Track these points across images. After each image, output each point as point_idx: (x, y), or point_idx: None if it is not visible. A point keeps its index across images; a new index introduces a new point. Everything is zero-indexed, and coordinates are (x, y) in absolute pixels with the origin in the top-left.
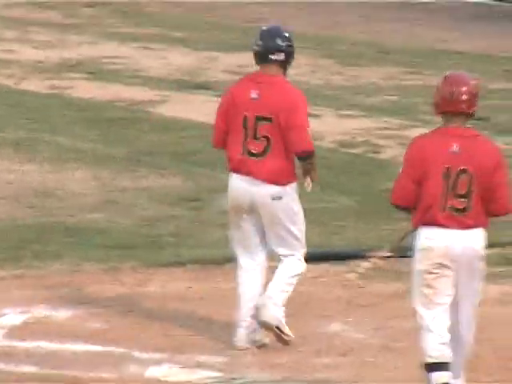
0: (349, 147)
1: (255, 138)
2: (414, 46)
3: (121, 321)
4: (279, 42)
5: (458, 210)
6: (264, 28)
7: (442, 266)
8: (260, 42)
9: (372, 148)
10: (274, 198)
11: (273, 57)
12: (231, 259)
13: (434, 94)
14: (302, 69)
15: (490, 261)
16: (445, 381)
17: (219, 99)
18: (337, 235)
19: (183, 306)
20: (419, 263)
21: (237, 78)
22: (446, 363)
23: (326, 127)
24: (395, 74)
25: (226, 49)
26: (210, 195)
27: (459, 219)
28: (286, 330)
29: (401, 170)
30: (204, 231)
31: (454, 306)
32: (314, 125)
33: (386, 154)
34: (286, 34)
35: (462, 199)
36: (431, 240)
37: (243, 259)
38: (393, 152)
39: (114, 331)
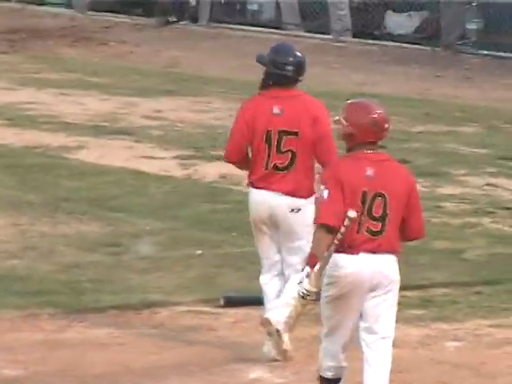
0: None
1: (280, 152)
2: (332, 89)
3: (39, 368)
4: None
5: (373, 232)
6: (288, 50)
7: (351, 291)
8: (291, 68)
9: None
10: (292, 210)
11: (300, 78)
12: (150, 305)
13: (347, 124)
14: (219, 112)
15: (410, 304)
16: None
17: (137, 145)
18: (256, 280)
19: (103, 352)
20: (329, 289)
21: (155, 123)
22: (340, 378)
23: (245, 171)
24: None
25: (144, 94)
26: (129, 240)
27: (374, 242)
28: (286, 339)
29: (326, 194)
30: (123, 277)
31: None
32: (231, 169)
33: None
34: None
35: (377, 222)
36: (340, 268)
37: (264, 273)
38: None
39: (33, 379)
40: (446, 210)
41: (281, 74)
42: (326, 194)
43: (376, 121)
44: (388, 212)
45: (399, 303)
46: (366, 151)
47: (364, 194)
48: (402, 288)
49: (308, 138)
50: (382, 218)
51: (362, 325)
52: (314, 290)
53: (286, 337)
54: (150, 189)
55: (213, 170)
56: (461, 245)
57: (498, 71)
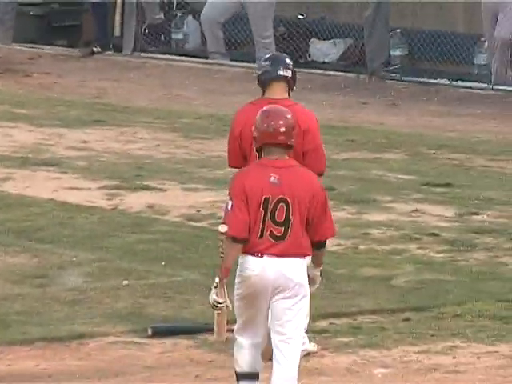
0: (194, 221)
1: None
2: None
3: None
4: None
5: (276, 237)
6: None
7: (257, 290)
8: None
9: (218, 221)
10: None
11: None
12: (78, 336)
13: (253, 128)
14: (146, 143)
15: (339, 331)
16: None
17: (63, 176)
18: (184, 309)
19: None
20: (238, 288)
21: (81, 154)
22: (253, 374)
23: (172, 201)
24: None
25: (70, 125)
26: (56, 272)
27: (276, 246)
28: None
29: (230, 205)
30: (51, 308)
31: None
32: (159, 199)
33: None
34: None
35: (280, 227)
36: (248, 269)
37: None
38: None
39: None
40: (373, 237)
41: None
42: (230, 204)
43: (271, 125)
44: (291, 217)
45: (327, 331)
46: (271, 157)
47: (266, 200)
48: (331, 315)
49: (298, 152)
50: (285, 223)
51: (271, 325)
52: (220, 300)
53: None
54: (77, 220)
55: (139, 200)
56: (388, 271)
57: (424, 97)
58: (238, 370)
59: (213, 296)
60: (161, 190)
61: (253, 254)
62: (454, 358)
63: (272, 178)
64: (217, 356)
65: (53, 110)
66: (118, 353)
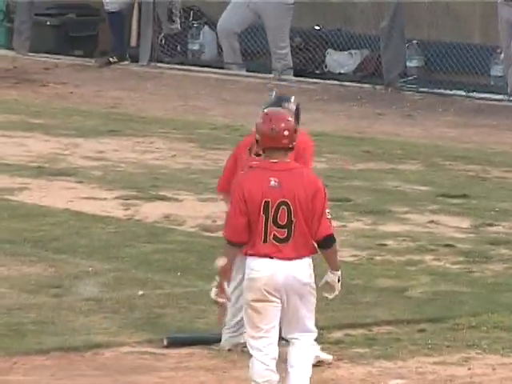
0: (210, 231)
1: None
2: None
3: None
4: None
5: (280, 239)
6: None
7: (267, 294)
8: None
9: None
10: None
11: None
12: (94, 346)
13: (255, 131)
14: (162, 153)
15: (354, 342)
16: None
17: (79, 185)
18: (200, 319)
19: None
20: (247, 293)
21: (97, 164)
22: None
23: (187, 211)
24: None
25: (86, 135)
26: (72, 282)
27: (281, 249)
28: None
29: (231, 208)
30: (66, 318)
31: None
32: (175, 209)
33: None
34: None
35: (283, 229)
36: (257, 271)
37: None
38: None
39: None
40: (389, 248)
41: None
42: (230, 209)
43: (273, 128)
44: (293, 219)
45: (342, 341)
46: (271, 160)
47: (266, 204)
48: (346, 326)
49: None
50: (288, 225)
51: (282, 329)
52: (219, 299)
53: None
54: (93, 230)
55: (155, 210)
56: (404, 282)
57: (440, 108)
58: (257, 381)
59: (213, 294)
60: (176, 200)
61: (261, 257)
62: (469, 369)
63: (272, 182)
64: (232, 366)
65: (69, 120)
66: (133, 363)
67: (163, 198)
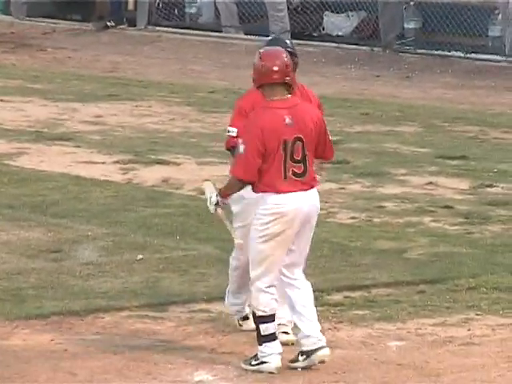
0: None
1: None
2: None
3: None
4: None
5: (298, 174)
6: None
7: (294, 224)
8: None
9: None
10: None
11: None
12: (93, 310)
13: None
14: (160, 117)
15: (354, 304)
16: (272, 331)
17: (78, 150)
18: (199, 283)
19: (47, 359)
20: (271, 227)
21: (95, 128)
22: (274, 315)
23: (186, 175)
24: None
25: (84, 100)
26: (71, 246)
27: (302, 182)
28: None
29: (242, 149)
30: (66, 283)
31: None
32: (173, 173)
33: None
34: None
35: (300, 164)
36: (283, 204)
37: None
38: None
39: None
40: (388, 210)
41: None
42: (242, 148)
43: (263, 64)
44: (307, 153)
45: (342, 304)
46: (277, 98)
47: (285, 142)
48: (345, 288)
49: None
50: (303, 160)
51: (286, 260)
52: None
53: None
54: (91, 194)
55: (153, 175)
56: (403, 244)
57: (438, 70)
58: (261, 313)
59: (217, 198)
60: (175, 163)
61: (284, 193)
62: (468, 330)
63: (287, 120)
64: (232, 329)
65: (67, 85)
66: (133, 327)
67: (162, 162)
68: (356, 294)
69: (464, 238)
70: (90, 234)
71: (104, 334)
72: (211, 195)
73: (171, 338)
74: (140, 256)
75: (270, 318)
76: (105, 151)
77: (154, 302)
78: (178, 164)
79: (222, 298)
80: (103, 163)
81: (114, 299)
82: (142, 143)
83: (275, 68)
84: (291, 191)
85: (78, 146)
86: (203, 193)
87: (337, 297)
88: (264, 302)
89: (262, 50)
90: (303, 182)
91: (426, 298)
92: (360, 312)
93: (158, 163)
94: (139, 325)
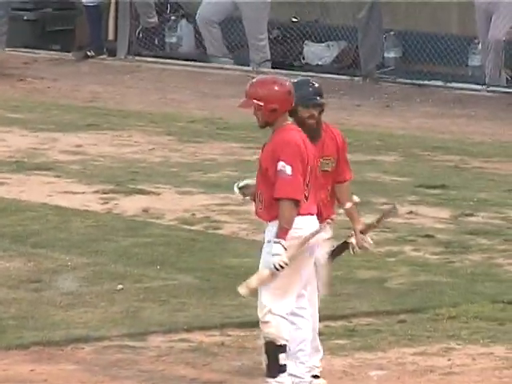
0: (189, 224)
1: None
2: (251, 120)
3: None
4: None
5: (306, 198)
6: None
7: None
8: None
9: (212, 224)
10: None
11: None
12: (73, 340)
13: (265, 104)
14: (140, 147)
15: (334, 333)
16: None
17: (58, 180)
18: (180, 312)
19: None
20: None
21: (75, 158)
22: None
23: (166, 205)
24: (235, 150)
25: (64, 129)
26: (51, 276)
27: (311, 206)
28: None
29: (290, 170)
30: (46, 313)
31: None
32: (154, 203)
33: (226, 230)
34: None
35: (307, 188)
36: (310, 227)
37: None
38: (233, 228)
39: None
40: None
41: None
42: (289, 169)
43: (290, 90)
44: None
45: (322, 333)
46: (288, 123)
47: (309, 166)
48: (326, 318)
49: None
50: (308, 184)
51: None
52: (288, 262)
53: None
54: (72, 224)
55: (133, 204)
56: (384, 274)
57: (418, 99)
58: (283, 342)
59: (284, 258)
60: (155, 193)
61: (310, 215)
62: (449, 359)
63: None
64: (212, 359)
65: (47, 115)
66: (113, 357)
67: (142, 192)
68: (337, 324)
69: (444, 267)
70: (70, 263)
71: (84, 364)
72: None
73: (151, 367)
74: (120, 286)
75: (286, 348)
76: (85, 181)
77: (134, 331)
78: (158, 194)
79: (203, 328)
80: (83, 193)
81: (94, 329)
82: (122, 173)
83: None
84: (311, 214)
85: (58, 176)
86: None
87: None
88: (285, 330)
89: (264, 80)
90: (308, 205)
91: (406, 328)
92: (340, 341)
93: (138, 193)
94: (119, 355)
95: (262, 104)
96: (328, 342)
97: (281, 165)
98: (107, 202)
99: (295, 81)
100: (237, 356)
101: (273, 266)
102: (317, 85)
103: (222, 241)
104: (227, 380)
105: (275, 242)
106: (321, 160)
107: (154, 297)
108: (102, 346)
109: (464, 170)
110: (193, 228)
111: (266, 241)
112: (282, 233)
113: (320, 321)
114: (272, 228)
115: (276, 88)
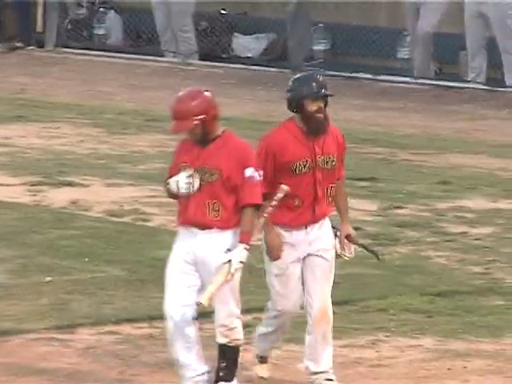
0: (117, 216)
1: None
2: None
3: None
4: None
5: None
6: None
7: None
8: None
9: (140, 216)
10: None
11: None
12: (1, 333)
13: (206, 115)
14: (69, 139)
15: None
16: None
17: None
18: (107, 305)
19: None
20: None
21: (3, 150)
22: None
23: (94, 197)
24: (163, 142)
25: None
26: None
27: None
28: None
29: (259, 176)
30: None
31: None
32: (82, 195)
33: (154, 222)
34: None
35: None
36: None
37: None
38: (161, 220)
39: None
40: None
41: None
42: (258, 175)
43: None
44: None
45: (252, 325)
46: (225, 129)
47: None
48: (255, 310)
49: None
50: None
51: None
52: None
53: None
54: None
55: (62, 196)
56: None
57: (347, 91)
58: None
59: (242, 258)
60: (84, 185)
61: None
62: (377, 351)
63: None
64: (140, 352)
65: None
66: (41, 349)
67: (70, 184)
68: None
69: (373, 259)
70: None
71: (11, 356)
72: None
73: (79, 360)
74: (48, 278)
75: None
76: (13, 173)
77: (62, 324)
78: (87, 186)
79: (131, 320)
80: (11, 185)
81: (22, 322)
82: (50, 165)
83: None
84: None
85: None
86: None
87: (246, 318)
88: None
89: (193, 93)
90: None
91: (334, 320)
92: None
93: (66, 185)
94: (47, 347)
95: (204, 117)
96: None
97: (250, 171)
98: (35, 194)
99: (298, 76)
100: (165, 348)
101: (234, 270)
102: (321, 78)
103: (150, 233)
104: (154, 372)
105: (243, 248)
106: (321, 157)
107: (81, 289)
108: (30, 339)
109: (392, 162)
110: (121, 220)
111: (222, 251)
112: (249, 237)
113: (248, 312)
114: (229, 236)
115: (204, 96)
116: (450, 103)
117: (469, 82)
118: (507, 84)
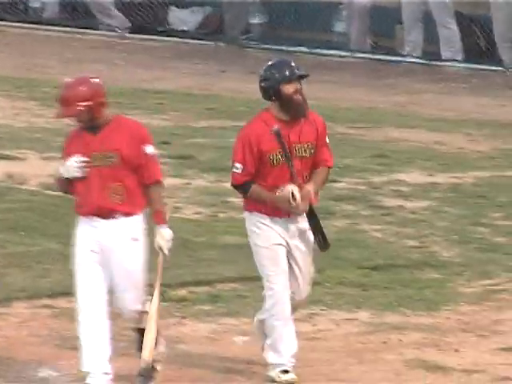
0: (53, 190)
1: None
2: (115, 86)
3: None
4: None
5: None
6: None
7: None
8: None
9: None
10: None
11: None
12: None
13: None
14: (5, 112)
15: (198, 299)
16: None
17: None
18: (43, 278)
19: None
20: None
21: None
22: None
23: (30, 170)
24: None
25: None
26: None
27: None
28: None
29: (156, 154)
30: None
31: None
32: (18, 168)
33: None
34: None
35: None
36: None
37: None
38: None
39: None
40: (233, 205)
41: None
42: (155, 152)
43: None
44: None
45: (187, 299)
46: (114, 114)
47: None
48: (190, 284)
49: None
50: None
51: None
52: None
53: None
54: None
55: None
56: (248, 239)
57: None
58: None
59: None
60: (19, 158)
61: None
62: (313, 325)
63: None
64: (76, 325)
65: None
66: None
67: (6, 157)
68: (200, 290)
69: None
70: None
71: None
72: None
73: (15, 333)
74: None
75: None
76: None
77: None
78: (23, 159)
79: (67, 294)
80: None
81: None
82: None
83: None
84: None
85: None
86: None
87: (181, 292)
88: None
89: (77, 83)
90: None
91: None
92: (205, 307)
93: (2, 158)
94: None
95: (90, 103)
96: (192, 307)
97: (150, 148)
98: None
99: (269, 64)
100: None
101: (167, 251)
102: (293, 63)
103: None
104: None
105: (166, 227)
106: (298, 145)
107: (17, 262)
108: None
109: (328, 135)
110: (57, 193)
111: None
112: (163, 215)
113: (183, 286)
114: (134, 223)
115: (91, 83)
116: (386, 77)
117: (405, 55)
118: (443, 58)
